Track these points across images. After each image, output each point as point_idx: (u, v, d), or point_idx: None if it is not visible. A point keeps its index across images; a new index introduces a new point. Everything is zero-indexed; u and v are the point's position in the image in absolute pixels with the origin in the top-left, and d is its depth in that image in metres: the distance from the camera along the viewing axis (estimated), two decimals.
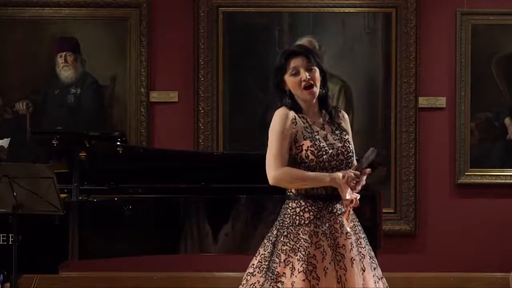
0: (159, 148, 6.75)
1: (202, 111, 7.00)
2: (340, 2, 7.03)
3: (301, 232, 3.69)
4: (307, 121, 3.77)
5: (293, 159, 3.74)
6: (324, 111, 3.85)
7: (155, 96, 7.04)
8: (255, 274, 3.74)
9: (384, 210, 5.86)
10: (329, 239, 3.69)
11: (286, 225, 3.74)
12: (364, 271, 3.72)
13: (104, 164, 5.49)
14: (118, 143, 5.41)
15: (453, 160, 7.05)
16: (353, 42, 7.01)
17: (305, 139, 3.73)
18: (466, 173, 7.05)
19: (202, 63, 6.99)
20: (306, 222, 3.71)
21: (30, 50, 7.00)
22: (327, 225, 3.71)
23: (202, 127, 7.00)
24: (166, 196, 5.42)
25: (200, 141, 6.99)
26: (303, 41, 7.00)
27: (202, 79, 6.99)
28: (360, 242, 3.76)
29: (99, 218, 5.13)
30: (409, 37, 6.98)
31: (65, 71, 7.03)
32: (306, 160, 3.70)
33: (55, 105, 7.04)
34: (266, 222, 4.95)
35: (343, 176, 3.68)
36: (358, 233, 3.78)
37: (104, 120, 7.05)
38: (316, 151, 3.70)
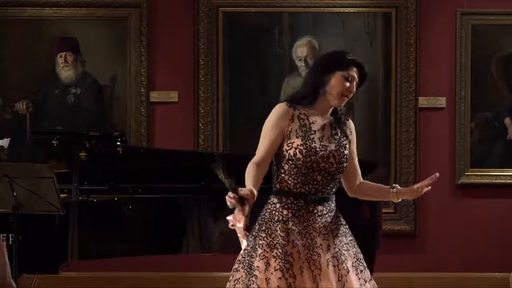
0: (159, 148, 6.75)
1: (202, 111, 7.00)
2: (340, 2, 7.03)
3: (279, 228, 3.70)
4: (307, 119, 3.77)
5: (283, 155, 3.74)
6: (332, 115, 3.84)
7: (155, 96, 7.04)
8: (239, 270, 3.74)
9: (384, 210, 5.86)
10: (305, 238, 3.68)
11: (266, 220, 3.74)
12: (348, 272, 3.69)
13: (104, 164, 5.49)
14: (118, 143, 5.41)
15: (453, 160, 7.05)
16: (353, 42, 7.01)
17: (297, 137, 3.73)
18: (466, 173, 7.05)
19: (202, 63, 6.99)
20: (284, 219, 3.71)
21: (30, 50, 7.00)
22: (304, 224, 3.70)
23: (202, 127, 7.01)
24: (166, 196, 5.42)
25: (200, 141, 6.99)
26: (303, 41, 7.00)
27: (202, 79, 6.99)
28: (343, 244, 3.74)
29: (99, 218, 5.13)
30: (409, 37, 6.98)
31: (65, 71, 7.03)
32: (293, 158, 3.70)
33: (55, 105, 7.04)
34: None
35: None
36: (340, 236, 3.75)
37: (104, 120, 7.05)
38: (304, 151, 3.69)
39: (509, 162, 7.06)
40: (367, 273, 3.79)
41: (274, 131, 3.74)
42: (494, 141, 7.07)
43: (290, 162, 3.72)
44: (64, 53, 7.02)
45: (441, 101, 7.05)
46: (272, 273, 3.63)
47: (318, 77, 3.79)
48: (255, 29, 7.03)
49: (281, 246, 3.66)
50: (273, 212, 3.75)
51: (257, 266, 3.66)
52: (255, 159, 3.76)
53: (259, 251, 3.69)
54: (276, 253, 3.66)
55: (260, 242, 3.70)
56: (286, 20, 7.04)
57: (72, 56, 7.03)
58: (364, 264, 3.80)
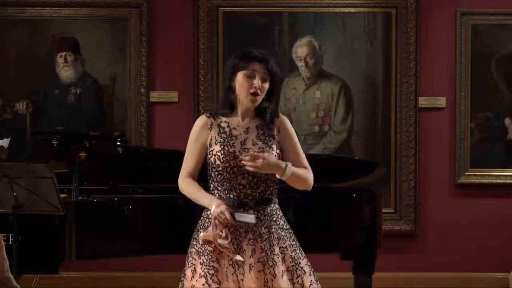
0: (159, 148, 6.75)
1: (202, 111, 6.99)
2: (340, 2, 7.03)
3: None
4: (228, 126, 3.75)
5: (209, 164, 3.76)
6: (259, 115, 3.79)
7: (155, 96, 7.04)
8: (182, 280, 3.77)
9: (384, 210, 5.86)
10: (231, 243, 3.66)
11: (198, 228, 3.79)
12: (274, 277, 3.66)
13: (104, 164, 5.49)
14: (118, 143, 5.41)
15: (453, 160, 7.05)
16: (353, 42, 7.01)
17: (216, 144, 3.72)
18: (466, 173, 7.05)
19: (202, 63, 6.99)
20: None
21: (30, 50, 7.00)
22: (231, 229, 3.68)
23: None
24: (166, 196, 5.41)
25: None
26: (303, 41, 7.00)
27: (202, 79, 7.00)
28: (274, 249, 3.70)
29: (99, 218, 5.12)
30: (409, 37, 6.98)
31: (65, 71, 7.03)
32: (214, 165, 3.72)
33: (55, 105, 7.04)
34: None
35: (214, 211, 3.65)
36: (272, 240, 3.71)
37: (104, 120, 7.05)
38: (222, 157, 3.69)
39: (509, 162, 7.06)
40: (307, 278, 3.73)
41: (196, 143, 3.76)
42: (494, 141, 7.07)
43: (214, 169, 3.74)
44: (64, 53, 7.02)
45: (441, 101, 7.05)
46: (196, 280, 3.67)
47: (226, 84, 3.78)
48: (255, 29, 7.03)
49: (207, 253, 3.68)
50: (203, 219, 3.78)
51: (186, 275, 3.72)
52: (184, 174, 3.79)
53: (189, 259, 3.74)
54: (202, 260, 3.68)
55: (191, 250, 3.75)
56: (286, 20, 7.04)
57: (72, 56, 7.03)
58: (306, 269, 3.73)
